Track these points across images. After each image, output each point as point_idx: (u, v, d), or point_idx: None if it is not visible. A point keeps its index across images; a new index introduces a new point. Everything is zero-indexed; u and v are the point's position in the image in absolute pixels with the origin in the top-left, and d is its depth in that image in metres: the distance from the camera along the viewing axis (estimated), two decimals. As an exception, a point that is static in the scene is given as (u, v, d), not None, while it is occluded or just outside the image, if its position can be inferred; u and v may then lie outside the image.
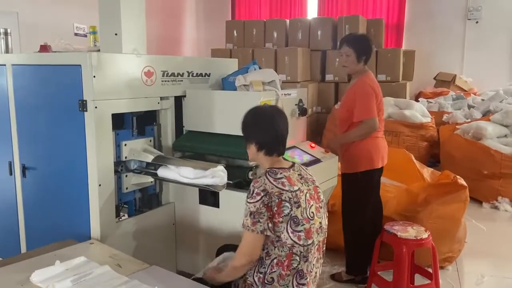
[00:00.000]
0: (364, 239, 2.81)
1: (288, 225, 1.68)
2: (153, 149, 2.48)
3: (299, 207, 1.70)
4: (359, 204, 2.83)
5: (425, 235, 2.55)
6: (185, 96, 2.63)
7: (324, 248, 1.87)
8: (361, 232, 2.82)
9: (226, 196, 2.41)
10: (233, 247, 1.93)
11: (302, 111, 2.74)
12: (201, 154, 2.56)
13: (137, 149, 2.41)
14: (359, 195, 2.82)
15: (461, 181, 3.16)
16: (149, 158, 2.36)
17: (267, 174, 1.74)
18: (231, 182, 2.40)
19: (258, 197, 1.67)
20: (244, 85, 2.53)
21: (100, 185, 2.19)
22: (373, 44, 2.95)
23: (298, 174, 1.82)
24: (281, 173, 1.75)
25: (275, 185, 1.70)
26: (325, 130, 6.49)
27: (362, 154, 2.77)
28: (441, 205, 3.08)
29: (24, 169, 2.53)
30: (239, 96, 2.51)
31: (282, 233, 1.68)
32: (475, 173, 4.61)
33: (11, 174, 2.62)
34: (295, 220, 1.68)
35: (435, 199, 3.07)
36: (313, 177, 1.89)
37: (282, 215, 1.67)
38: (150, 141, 2.52)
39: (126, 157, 2.36)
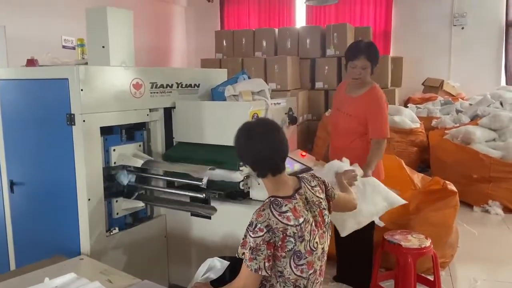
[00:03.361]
0: (372, 249, 2.81)
1: (291, 260, 1.63)
2: (142, 153, 2.46)
3: (303, 241, 1.63)
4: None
5: (427, 243, 2.56)
6: (174, 107, 2.62)
7: (324, 269, 1.82)
8: (371, 243, 2.81)
9: (218, 208, 2.39)
10: (229, 259, 1.91)
11: (292, 120, 2.73)
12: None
13: (126, 154, 2.38)
14: None
15: (451, 186, 3.18)
16: (139, 163, 2.34)
17: (271, 206, 1.63)
18: (222, 192, 2.39)
19: (260, 233, 1.58)
20: (234, 95, 2.52)
21: (89, 199, 2.17)
22: None
23: (305, 198, 1.73)
24: (286, 205, 1.64)
25: (279, 220, 1.60)
26: (316, 138, 6.51)
27: (376, 168, 2.74)
28: (432, 211, 3.09)
29: (12, 184, 2.50)
30: (228, 106, 2.50)
31: (285, 268, 1.63)
32: (465, 178, 4.64)
33: (-2, 190, 2.58)
34: (298, 254, 1.63)
35: (426, 206, 3.08)
36: (319, 197, 1.79)
37: (286, 250, 1.61)
38: (140, 146, 2.50)
39: (115, 163, 2.34)
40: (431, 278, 2.76)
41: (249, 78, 2.77)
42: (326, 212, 1.81)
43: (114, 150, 2.33)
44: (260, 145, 1.70)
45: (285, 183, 1.74)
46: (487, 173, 4.61)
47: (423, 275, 2.83)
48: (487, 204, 4.63)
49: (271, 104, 2.56)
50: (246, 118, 2.33)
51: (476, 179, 4.65)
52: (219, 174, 2.37)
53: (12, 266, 2.60)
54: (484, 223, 4.37)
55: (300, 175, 1.86)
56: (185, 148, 2.59)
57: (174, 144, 2.67)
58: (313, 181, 1.84)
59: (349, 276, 2.93)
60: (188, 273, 2.56)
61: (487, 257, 3.54)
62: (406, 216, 3.10)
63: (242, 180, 2.35)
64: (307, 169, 2.64)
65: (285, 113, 2.73)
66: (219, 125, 2.46)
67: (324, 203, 1.81)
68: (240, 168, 2.31)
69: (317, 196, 1.79)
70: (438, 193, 3.18)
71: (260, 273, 1.59)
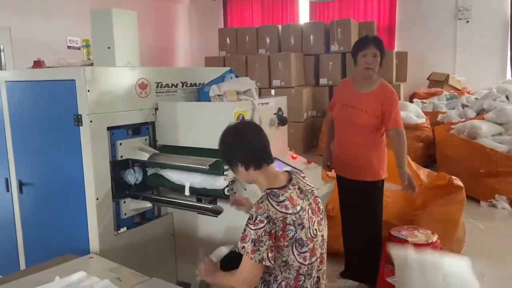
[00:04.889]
0: (381, 245, 2.82)
1: (294, 248, 1.66)
2: (148, 147, 2.47)
3: (303, 228, 1.67)
4: (380, 211, 2.82)
5: (434, 238, 2.55)
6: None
7: (325, 257, 1.86)
8: (380, 239, 2.81)
9: (224, 206, 2.40)
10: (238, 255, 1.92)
11: (282, 121, 2.62)
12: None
13: (133, 148, 2.39)
14: (379, 203, 2.80)
15: (457, 182, 3.18)
16: (145, 156, 2.35)
17: (268, 197, 1.68)
18: (209, 199, 2.35)
19: (261, 225, 1.62)
20: (218, 95, 2.42)
21: (97, 198, 2.19)
22: None
23: (298, 188, 1.78)
24: (282, 195, 1.68)
25: (278, 210, 1.64)
26: (321, 134, 6.51)
27: (381, 163, 2.74)
28: (438, 207, 3.09)
29: (21, 185, 2.53)
30: (212, 107, 2.40)
31: (289, 256, 1.66)
32: (471, 172, 4.62)
33: (8, 190, 2.61)
34: (300, 242, 1.67)
35: (432, 201, 3.09)
36: (311, 185, 1.86)
37: (287, 238, 1.65)
38: (146, 139, 2.50)
39: (121, 156, 2.34)
40: (438, 273, 2.76)
41: (236, 76, 2.65)
42: (320, 199, 1.86)
43: (120, 144, 2.33)
44: (253, 136, 1.81)
45: (276, 176, 1.81)
46: (494, 168, 4.59)
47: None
48: (494, 198, 4.61)
49: (258, 104, 2.44)
50: (231, 119, 2.23)
51: (483, 174, 4.63)
52: (200, 181, 2.28)
53: (22, 265, 2.64)
54: (491, 218, 4.36)
55: (289, 170, 1.93)
56: (169, 152, 2.47)
57: (157, 147, 2.56)
58: (302, 172, 1.93)
59: (357, 271, 2.94)
60: (195, 270, 2.58)
61: (494, 252, 3.53)
62: (412, 212, 3.10)
63: (227, 186, 2.26)
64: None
65: (274, 113, 2.62)
66: (203, 127, 2.37)
67: (316, 191, 1.86)
68: (225, 173, 2.21)
69: (309, 185, 1.85)
70: (444, 188, 3.18)
71: (263, 263, 1.62)
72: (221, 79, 2.58)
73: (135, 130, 2.45)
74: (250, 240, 1.62)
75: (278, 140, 2.66)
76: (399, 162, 2.73)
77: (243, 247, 1.64)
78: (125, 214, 2.38)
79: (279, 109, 2.64)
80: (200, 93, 2.63)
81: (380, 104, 2.70)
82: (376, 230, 2.82)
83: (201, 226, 2.55)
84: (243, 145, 1.80)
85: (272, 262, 1.63)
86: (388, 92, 2.75)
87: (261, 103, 2.48)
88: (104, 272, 1.91)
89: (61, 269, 1.91)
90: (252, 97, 2.43)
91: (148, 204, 2.47)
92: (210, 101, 2.45)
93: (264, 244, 1.61)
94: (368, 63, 2.67)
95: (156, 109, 2.52)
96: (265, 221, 1.62)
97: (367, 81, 2.76)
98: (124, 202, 2.38)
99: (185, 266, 2.65)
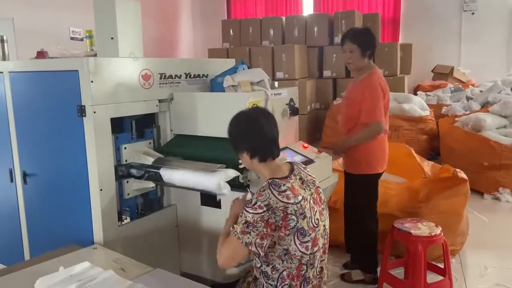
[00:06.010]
0: (375, 236, 2.82)
1: (295, 237, 1.66)
2: (153, 151, 2.48)
3: (304, 218, 1.67)
4: (368, 206, 2.83)
5: (438, 231, 2.55)
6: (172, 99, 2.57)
7: (327, 247, 1.87)
8: (372, 230, 2.83)
9: (228, 197, 2.40)
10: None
11: (294, 111, 2.66)
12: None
13: (137, 151, 2.40)
14: (366, 195, 2.82)
15: (461, 174, 3.17)
16: (149, 160, 2.36)
17: (270, 187, 1.67)
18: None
19: (260, 210, 1.62)
20: (232, 85, 2.45)
21: (101, 189, 2.19)
22: (375, 38, 2.87)
23: (299, 179, 1.78)
24: (284, 185, 1.68)
25: (279, 200, 1.64)
26: (325, 127, 6.49)
27: (369, 156, 2.74)
28: (442, 200, 3.08)
29: (25, 175, 2.53)
30: (226, 97, 2.42)
31: (290, 245, 1.66)
32: (475, 165, 4.61)
33: (12, 181, 2.62)
34: (302, 231, 1.66)
35: (436, 194, 3.08)
36: (312, 176, 1.87)
37: (289, 228, 1.64)
38: (150, 143, 2.51)
39: (126, 160, 2.36)
40: (441, 265, 2.76)
41: (248, 68, 2.70)
42: (321, 190, 1.86)
43: (125, 148, 2.34)
44: (266, 128, 1.77)
45: (279, 168, 1.81)
46: (498, 160, 4.57)
47: (433, 263, 2.84)
48: (498, 191, 4.61)
49: (271, 94, 2.48)
50: None
51: (487, 167, 4.62)
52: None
53: (27, 256, 2.65)
54: (495, 211, 4.36)
55: (291, 161, 1.92)
56: (183, 142, 2.52)
57: (172, 137, 2.60)
58: (303, 164, 1.94)
59: (359, 262, 2.96)
60: (199, 262, 2.60)
61: (498, 245, 3.53)
62: (416, 204, 3.10)
63: (241, 173, 2.26)
64: (309, 161, 2.59)
65: (286, 104, 2.66)
66: (218, 116, 2.38)
67: (317, 182, 1.87)
68: (240, 161, 2.18)
69: (310, 175, 1.86)
70: (448, 181, 3.17)
71: (249, 248, 1.62)
72: (233, 70, 2.62)
73: (140, 133, 2.46)
74: (243, 221, 1.62)
75: (289, 130, 2.72)
76: (351, 138, 2.74)
77: (233, 226, 1.65)
78: (128, 194, 2.39)
79: (291, 100, 2.69)
80: (213, 84, 2.67)
81: (361, 94, 2.72)
82: (367, 220, 2.82)
83: (204, 217, 2.55)
84: (254, 134, 1.77)
85: (260, 250, 1.62)
86: (367, 83, 2.73)
87: (274, 94, 2.52)
88: (108, 262, 1.91)
89: (65, 260, 1.92)
90: (265, 88, 2.47)
91: (151, 184, 2.46)
92: (223, 91, 2.49)
93: (257, 230, 1.61)
94: (346, 59, 2.79)
95: (160, 100, 2.51)
96: (264, 208, 1.62)
97: (357, 72, 2.82)
98: (127, 181, 2.38)
99: (189, 257, 2.66)
